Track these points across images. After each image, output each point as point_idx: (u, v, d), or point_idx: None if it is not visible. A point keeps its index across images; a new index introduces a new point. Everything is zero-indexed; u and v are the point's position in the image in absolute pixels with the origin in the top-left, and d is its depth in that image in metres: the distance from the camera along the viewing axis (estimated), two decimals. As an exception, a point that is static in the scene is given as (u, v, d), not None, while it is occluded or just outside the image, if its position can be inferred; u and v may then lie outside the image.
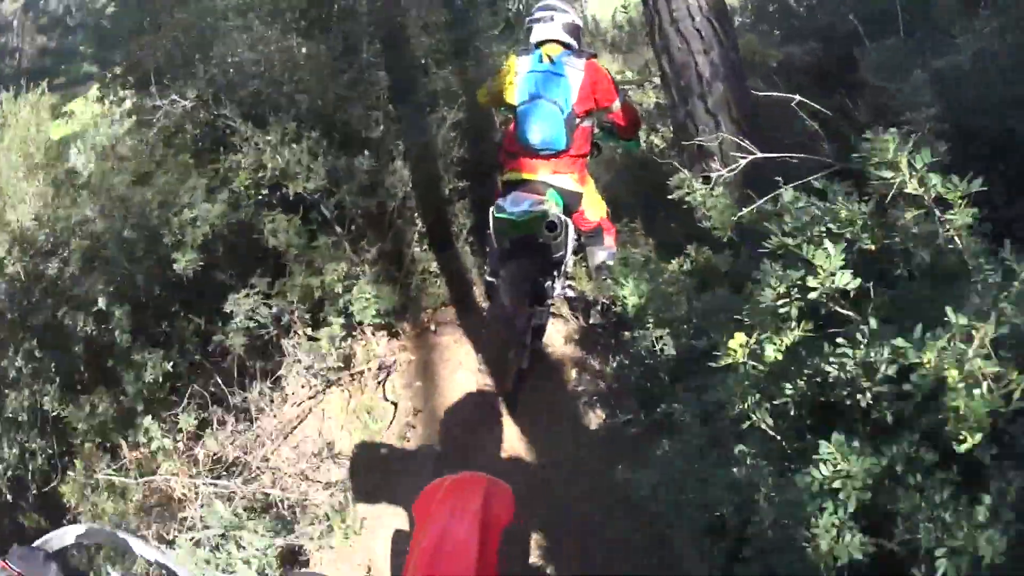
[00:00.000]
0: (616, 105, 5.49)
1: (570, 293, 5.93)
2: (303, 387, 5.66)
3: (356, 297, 5.62)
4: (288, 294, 5.53)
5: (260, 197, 5.60)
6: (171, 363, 5.22)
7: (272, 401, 5.55)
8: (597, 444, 5.11)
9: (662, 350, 4.05)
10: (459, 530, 2.52)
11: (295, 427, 5.56)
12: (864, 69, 5.03)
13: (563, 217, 5.20)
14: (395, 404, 5.68)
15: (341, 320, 5.61)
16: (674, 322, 3.87)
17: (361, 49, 6.16)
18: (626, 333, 4.74)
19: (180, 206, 5.21)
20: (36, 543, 2.15)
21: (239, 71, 5.68)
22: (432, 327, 6.28)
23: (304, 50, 6.02)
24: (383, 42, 6.26)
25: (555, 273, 5.53)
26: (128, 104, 6.84)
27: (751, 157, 3.78)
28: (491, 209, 5.18)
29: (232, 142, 5.65)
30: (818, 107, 4.21)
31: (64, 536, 2.23)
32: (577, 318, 6.17)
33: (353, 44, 6.26)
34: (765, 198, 3.20)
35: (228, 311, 5.28)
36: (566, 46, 5.43)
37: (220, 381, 5.40)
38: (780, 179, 3.15)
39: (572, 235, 5.46)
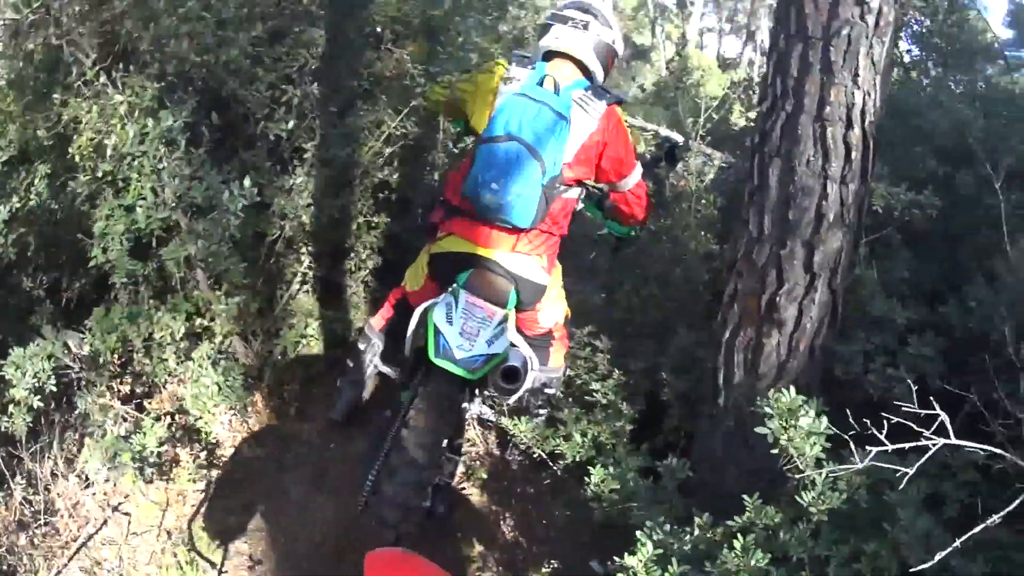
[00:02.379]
0: (629, 182, 3.67)
1: (488, 415, 4.12)
2: (105, 480, 3.84)
3: (191, 376, 3.88)
4: (102, 335, 3.75)
5: (101, 176, 3.62)
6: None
7: (68, 480, 3.78)
8: None
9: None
10: None
11: (92, 534, 3.71)
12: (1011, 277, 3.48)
13: (529, 356, 3.47)
14: (225, 544, 3.80)
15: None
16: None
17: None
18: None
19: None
20: None
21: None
22: (292, 408, 4.52)
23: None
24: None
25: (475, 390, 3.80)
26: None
27: (942, 442, 2.42)
28: (421, 310, 3.42)
29: (77, 86, 3.65)
30: None
31: None
32: (486, 441, 4.45)
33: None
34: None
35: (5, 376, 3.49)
36: (588, 74, 3.59)
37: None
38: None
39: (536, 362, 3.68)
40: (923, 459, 2.46)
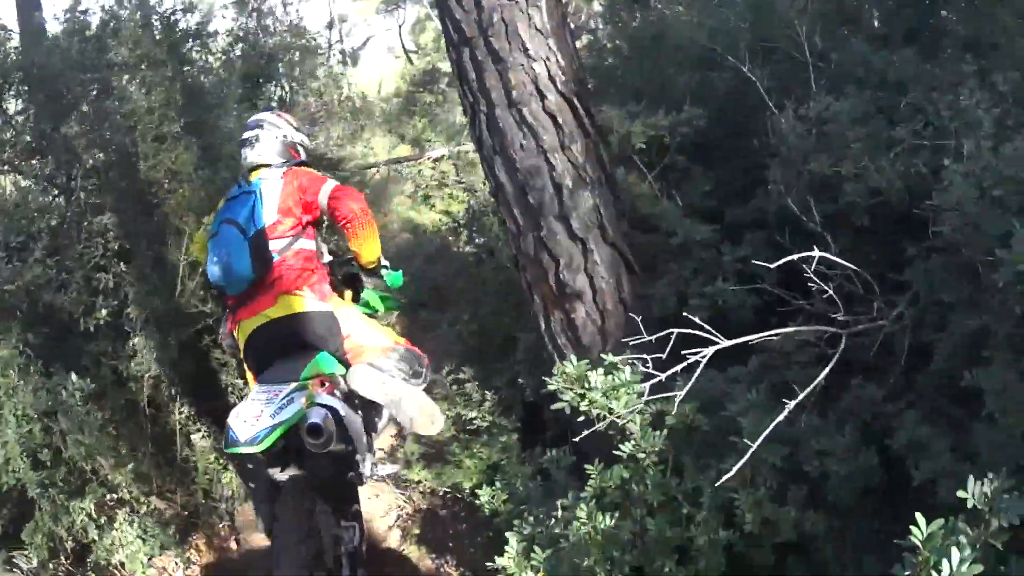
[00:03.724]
0: (323, 195, 3.83)
1: (388, 470, 4.21)
2: None
3: (121, 540, 4.03)
4: (36, 543, 3.94)
5: None
6: None
7: None
8: None
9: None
10: None
11: None
12: (784, 147, 3.54)
13: (330, 405, 3.53)
14: None
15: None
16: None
17: (75, 183, 4.37)
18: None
19: None
20: None
21: None
22: (234, 539, 4.67)
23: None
24: (108, 169, 4.47)
25: (355, 459, 3.84)
26: None
27: (716, 347, 2.56)
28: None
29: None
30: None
31: None
32: (412, 500, 4.57)
33: (69, 175, 4.51)
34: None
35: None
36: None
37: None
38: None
39: (355, 416, 3.78)
40: (696, 373, 2.56)
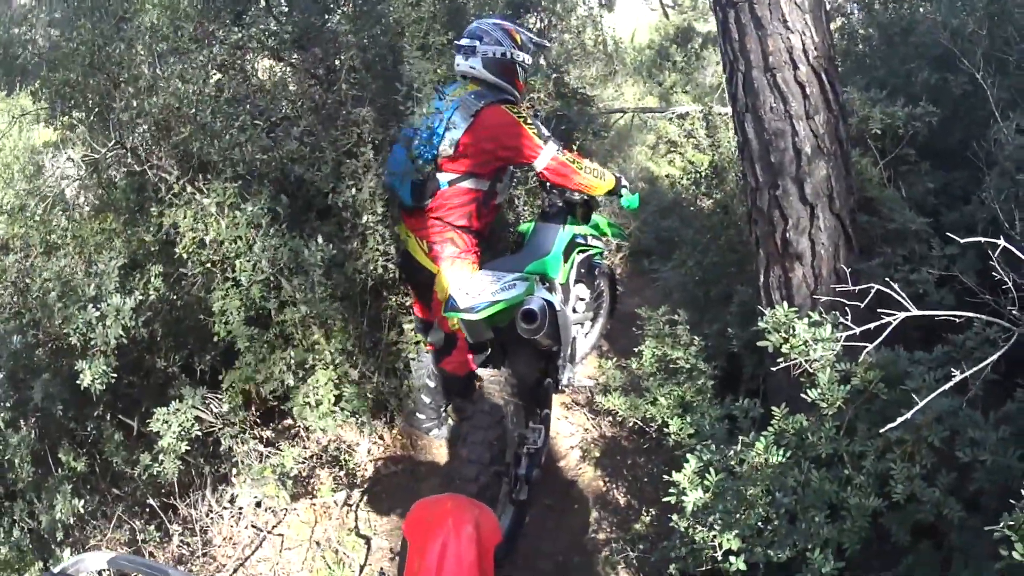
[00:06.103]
0: (539, 163, 4.19)
1: (585, 383, 4.64)
2: (258, 506, 4.45)
3: (316, 401, 4.39)
4: (235, 391, 4.34)
5: (210, 266, 4.24)
6: (82, 501, 3.85)
7: (223, 518, 4.32)
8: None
9: (729, 565, 2.88)
10: (459, 548, 2.37)
11: (249, 556, 4.26)
12: (1002, 157, 3.68)
13: (547, 300, 3.86)
14: (368, 541, 4.36)
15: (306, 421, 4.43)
16: (748, 528, 2.85)
17: (339, 76, 4.81)
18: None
19: (84, 299, 3.85)
20: (57, 569, 1.90)
21: (173, 110, 4.28)
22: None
23: (262, 76, 4.78)
24: (368, 68, 4.88)
25: (557, 364, 4.23)
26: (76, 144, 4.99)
27: (903, 315, 2.73)
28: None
29: (168, 199, 4.25)
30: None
31: (88, 562, 1.95)
32: (600, 426, 4.92)
33: (329, 67, 4.97)
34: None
35: (155, 431, 3.97)
36: (490, 86, 4.23)
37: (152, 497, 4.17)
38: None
39: (568, 316, 4.17)
40: (885, 333, 2.76)
